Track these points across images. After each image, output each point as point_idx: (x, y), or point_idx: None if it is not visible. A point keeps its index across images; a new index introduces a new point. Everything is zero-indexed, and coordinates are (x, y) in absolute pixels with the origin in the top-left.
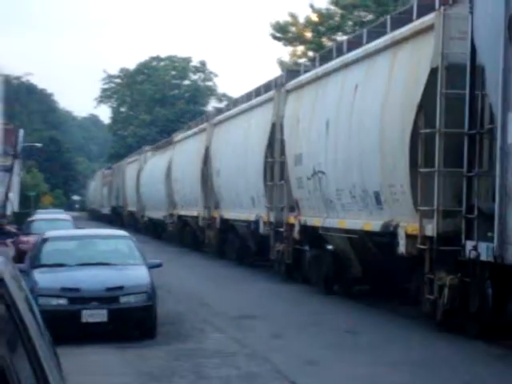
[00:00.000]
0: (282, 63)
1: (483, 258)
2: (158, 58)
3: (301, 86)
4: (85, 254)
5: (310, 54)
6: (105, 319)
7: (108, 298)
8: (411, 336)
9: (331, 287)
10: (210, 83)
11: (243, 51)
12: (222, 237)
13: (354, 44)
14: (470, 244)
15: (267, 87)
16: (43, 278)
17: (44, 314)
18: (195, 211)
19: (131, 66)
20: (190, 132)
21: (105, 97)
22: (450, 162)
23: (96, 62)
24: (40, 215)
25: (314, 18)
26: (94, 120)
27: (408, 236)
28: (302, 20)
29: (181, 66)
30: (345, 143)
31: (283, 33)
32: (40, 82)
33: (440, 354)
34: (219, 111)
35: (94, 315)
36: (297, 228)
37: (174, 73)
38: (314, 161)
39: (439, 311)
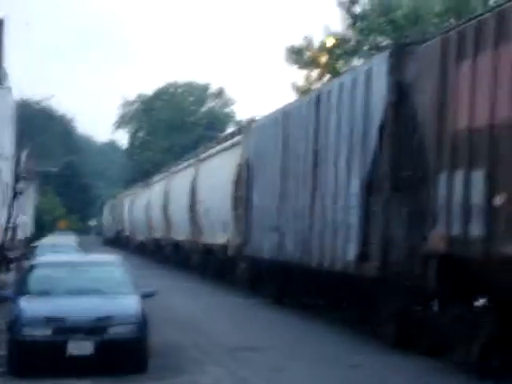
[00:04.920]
0: (296, 87)
1: None
2: (175, 85)
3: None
4: (73, 282)
5: (326, 78)
6: (91, 351)
7: (95, 328)
8: None
9: None
10: (227, 110)
11: (259, 76)
12: None
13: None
14: None
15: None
16: (28, 307)
17: (28, 345)
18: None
19: (149, 91)
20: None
21: (123, 122)
22: None
23: (114, 88)
24: (44, 240)
25: (329, 41)
26: (112, 145)
27: None
28: (316, 44)
29: (199, 93)
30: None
31: (298, 56)
32: (59, 106)
33: None
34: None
35: (80, 347)
36: None
37: (191, 99)
38: None
39: None
